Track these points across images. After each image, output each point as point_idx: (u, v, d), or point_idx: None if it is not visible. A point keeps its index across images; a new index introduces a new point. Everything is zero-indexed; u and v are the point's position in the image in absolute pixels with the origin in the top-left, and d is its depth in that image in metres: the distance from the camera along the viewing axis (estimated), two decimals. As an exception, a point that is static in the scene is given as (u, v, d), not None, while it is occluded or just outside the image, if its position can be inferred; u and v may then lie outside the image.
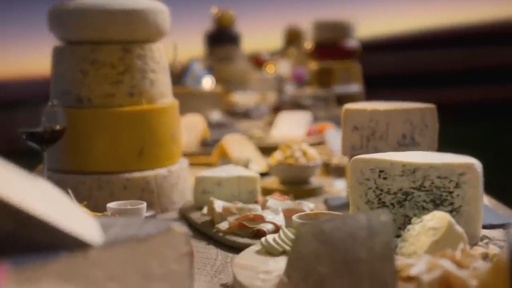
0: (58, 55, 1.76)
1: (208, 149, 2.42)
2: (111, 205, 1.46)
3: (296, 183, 1.88)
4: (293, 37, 6.59)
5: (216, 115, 3.31)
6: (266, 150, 2.33)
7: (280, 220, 1.45)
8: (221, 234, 1.47)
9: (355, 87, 4.19)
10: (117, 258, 0.89)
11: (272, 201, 1.55)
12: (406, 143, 1.68)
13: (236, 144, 2.18)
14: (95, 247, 0.87)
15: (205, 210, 1.60)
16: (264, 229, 1.41)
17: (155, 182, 1.73)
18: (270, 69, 5.38)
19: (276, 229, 1.42)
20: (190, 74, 3.55)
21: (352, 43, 4.42)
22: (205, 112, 3.15)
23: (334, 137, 2.29)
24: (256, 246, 1.29)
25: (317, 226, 0.99)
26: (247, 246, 1.35)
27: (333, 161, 1.99)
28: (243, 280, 1.12)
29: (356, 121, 1.69)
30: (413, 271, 0.99)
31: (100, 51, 1.71)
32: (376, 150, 1.67)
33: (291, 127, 2.58)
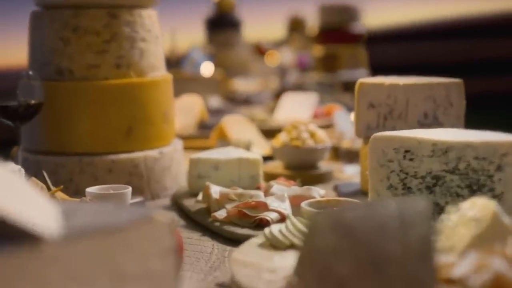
0: (36, 21, 1.54)
1: (206, 132, 2.20)
2: (91, 189, 1.25)
3: (302, 168, 1.66)
4: (296, 26, 6.34)
5: (215, 101, 3.05)
6: (269, 133, 2.11)
7: (286, 208, 1.24)
8: (217, 224, 1.25)
9: (362, 73, 3.93)
10: (80, 254, 0.68)
11: (276, 186, 1.33)
12: (428, 123, 1.47)
13: (237, 125, 1.96)
14: (50, 240, 0.66)
15: (200, 196, 1.38)
16: (268, 218, 1.20)
17: (144, 165, 1.51)
18: (272, 59, 5.11)
19: (282, 219, 1.21)
20: (189, 60, 3.32)
21: (358, 27, 4.16)
22: (203, 98, 2.91)
23: (343, 119, 2.07)
24: (259, 238, 1.07)
25: (336, 215, 0.77)
26: (247, 238, 1.14)
27: (343, 145, 1.78)
28: (243, 279, 0.91)
29: (372, 97, 1.47)
30: (456, 273, 0.77)
31: (83, 16, 1.48)
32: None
33: (296, 109, 2.36)
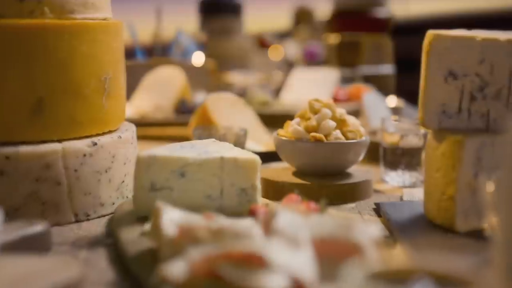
0: None
1: (186, 117, 1.57)
2: None
3: (325, 174, 1.02)
4: (302, 17, 5.64)
5: (201, 97, 2.04)
6: (272, 120, 1.47)
7: (304, 267, 0.60)
8: (168, 291, 0.61)
9: (388, 68, 3.08)
10: None
11: (285, 216, 0.69)
12: (544, 109, 0.83)
13: (226, 108, 1.32)
14: None
15: (148, 226, 0.74)
16: (268, 292, 0.56)
17: (64, 165, 0.87)
18: (276, 53, 4.34)
19: (297, 291, 0.57)
20: (176, 45, 2.61)
21: (383, 12, 3.28)
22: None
23: (376, 104, 1.43)
24: None
25: None
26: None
27: (385, 140, 1.13)
28: None
29: (454, 62, 0.83)
30: None
31: None
32: (489, 121, 0.83)
33: (309, 88, 1.70)
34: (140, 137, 1.54)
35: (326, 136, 1.00)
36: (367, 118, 1.38)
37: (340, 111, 1.04)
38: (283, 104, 1.73)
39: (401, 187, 1.10)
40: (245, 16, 4.21)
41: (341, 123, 1.02)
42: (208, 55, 2.94)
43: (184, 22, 3.86)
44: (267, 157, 1.14)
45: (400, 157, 1.12)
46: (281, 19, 6.15)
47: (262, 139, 1.31)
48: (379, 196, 1.05)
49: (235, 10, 4.11)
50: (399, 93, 2.77)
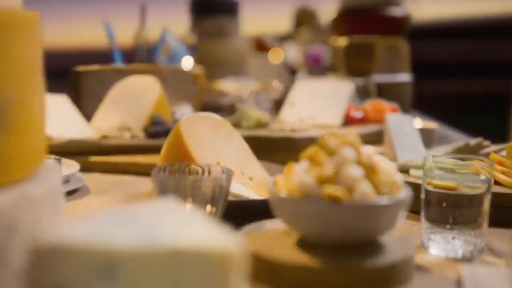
0: None
1: (161, 140, 1.22)
2: None
3: (346, 247, 0.67)
4: (304, 18, 5.29)
5: (184, 113, 1.66)
6: (270, 147, 1.12)
7: None
8: None
9: (404, 75, 2.61)
10: None
11: None
12: None
13: (208, 132, 0.97)
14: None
15: None
16: None
17: None
18: (277, 57, 3.97)
19: None
20: (162, 48, 2.22)
21: (399, 11, 2.81)
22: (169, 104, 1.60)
23: (404, 129, 1.08)
24: None
25: None
26: None
27: (430, 186, 0.78)
28: None
29: None
30: None
31: None
32: None
33: (317, 105, 1.35)
34: (98, 168, 1.19)
35: (347, 191, 0.65)
36: (393, 148, 1.03)
37: (368, 151, 0.69)
38: (282, 128, 1.35)
39: (453, 259, 0.75)
40: (242, 16, 3.84)
41: (369, 171, 0.67)
42: (199, 60, 2.57)
43: (173, 25, 3.48)
44: (259, 210, 0.79)
45: (449, 211, 0.77)
46: (281, 20, 5.84)
47: (253, 175, 0.96)
48: (424, 277, 0.70)
49: (231, 10, 3.73)
50: (418, 105, 2.41)
